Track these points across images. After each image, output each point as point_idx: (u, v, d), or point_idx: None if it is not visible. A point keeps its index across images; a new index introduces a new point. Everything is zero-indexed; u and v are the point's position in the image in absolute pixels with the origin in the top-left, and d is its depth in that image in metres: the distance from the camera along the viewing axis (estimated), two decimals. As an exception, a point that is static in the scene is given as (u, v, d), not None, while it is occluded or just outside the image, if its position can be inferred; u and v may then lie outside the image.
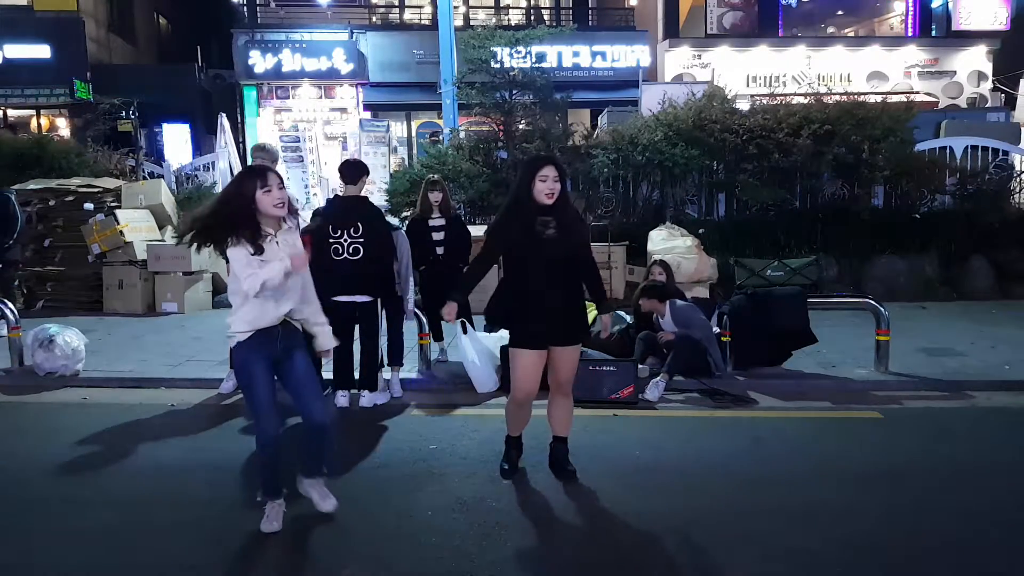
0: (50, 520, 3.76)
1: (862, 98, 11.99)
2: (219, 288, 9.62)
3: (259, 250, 3.39)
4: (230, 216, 3.42)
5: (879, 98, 12.51)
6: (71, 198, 9.87)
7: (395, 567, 3.28)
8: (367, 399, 5.64)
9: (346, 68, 17.94)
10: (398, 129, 18.02)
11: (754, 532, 3.56)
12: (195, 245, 3.51)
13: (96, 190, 10.04)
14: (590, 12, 20.22)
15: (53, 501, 3.97)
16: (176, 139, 17.65)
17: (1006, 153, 10.82)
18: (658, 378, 5.78)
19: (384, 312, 5.80)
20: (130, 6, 20.65)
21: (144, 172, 12.95)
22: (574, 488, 4.07)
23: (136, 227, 9.49)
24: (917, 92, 18.29)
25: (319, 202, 14.50)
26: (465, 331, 5.96)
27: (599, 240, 9.32)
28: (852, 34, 20.43)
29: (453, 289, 4.16)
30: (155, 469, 4.42)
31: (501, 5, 20.07)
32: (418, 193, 6.89)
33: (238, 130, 17.44)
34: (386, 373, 5.94)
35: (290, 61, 17.80)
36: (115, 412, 5.50)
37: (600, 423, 5.23)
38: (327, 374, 5.84)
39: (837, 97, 10.92)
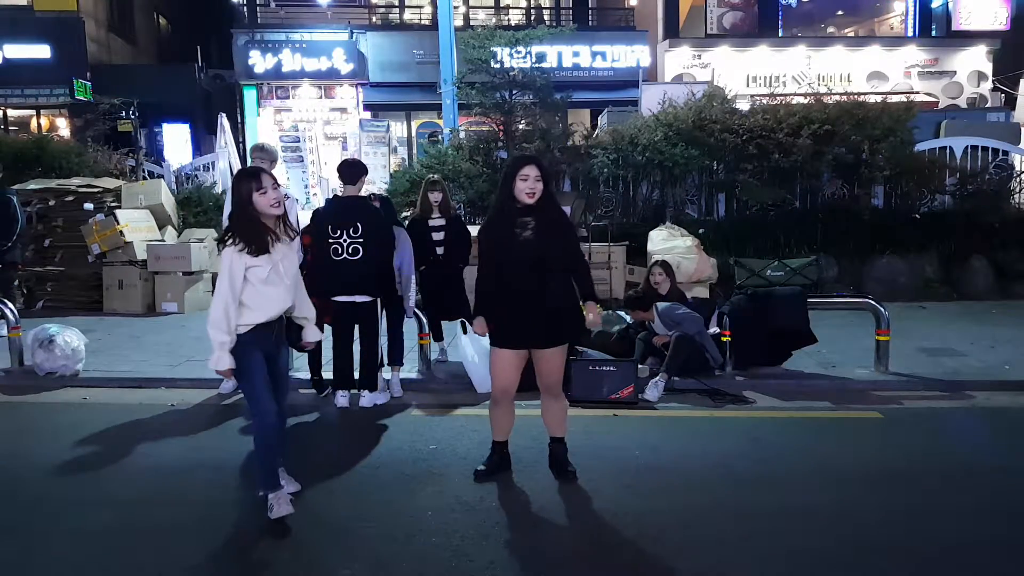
0: (50, 520, 3.76)
1: (862, 98, 11.98)
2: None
3: (263, 250, 3.53)
4: (241, 220, 3.59)
5: (879, 98, 12.51)
6: (71, 198, 9.88)
7: (395, 567, 3.28)
8: (367, 399, 5.64)
9: (346, 68, 17.94)
10: (398, 129, 18.01)
11: (754, 532, 3.56)
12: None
13: (96, 190, 10.05)
14: (590, 12, 20.21)
15: (53, 501, 3.97)
16: (176, 139, 17.65)
17: (1006, 153, 10.82)
18: (657, 378, 5.78)
19: (384, 312, 5.81)
20: (130, 6, 20.64)
21: (144, 172, 12.94)
22: (574, 488, 4.07)
23: (136, 227, 9.49)
24: (917, 92, 18.28)
25: (319, 202, 14.50)
26: (465, 331, 5.97)
27: (599, 240, 9.32)
28: (852, 34, 20.43)
29: (465, 305, 4.16)
30: (155, 469, 4.41)
31: (501, 5, 20.06)
32: (418, 193, 6.89)
33: (238, 130, 17.43)
34: (386, 373, 5.94)
35: (290, 61, 17.79)
36: (115, 412, 5.50)
37: (600, 423, 5.23)
38: (327, 374, 5.86)
39: (837, 97, 10.91)
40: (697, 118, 10.16)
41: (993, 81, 18.96)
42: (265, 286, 3.56)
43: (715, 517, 3.72)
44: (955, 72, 19.17)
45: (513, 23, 18.67)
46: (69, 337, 6.37)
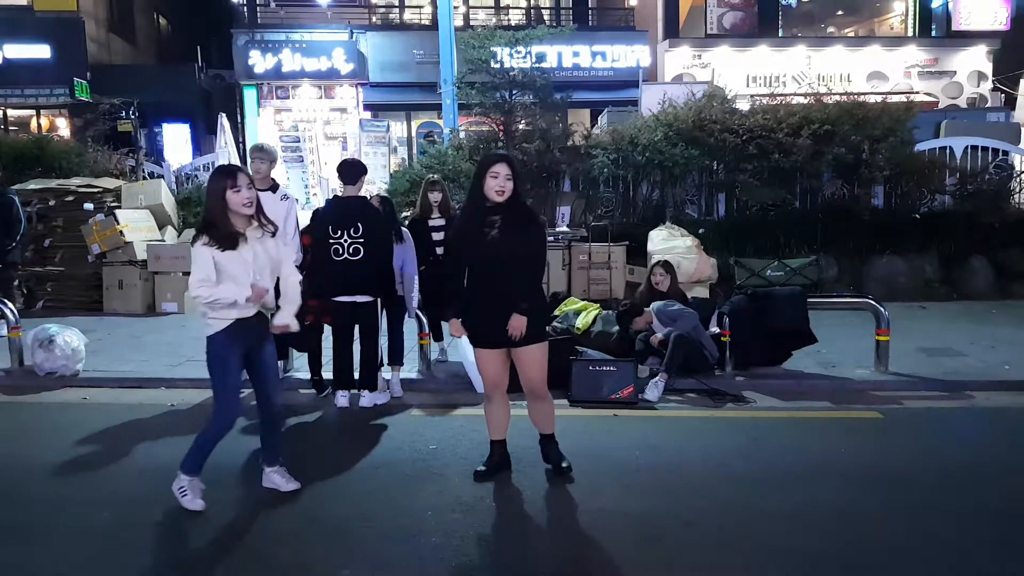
0: (50, 520, 3.76)
1: (862, 98, 11.98)
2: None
3: (231, 246, 3.60)
4: (212, 216, 3.67)
5: (879, 98, 12.50)
6: (71, 198, 9.88)
7: (395, 567, 3.28)
8: (367, 399, 5.64)
9: (346, 68, 17.93)
10: (398, 129, 18.01)
11: (754, 532, 3.56)
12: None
13: (96, 190, 10.05)
14: (590, 12, 20.20)
15: (53, 501, 3.97)
16: (176, 139, 17.64)
17: (1006, 153, 10.82)
18: (657, 378, 5.78)
19: (384, 312, 5.81)
20: (130, 6, 20.64)
21: (144, 172, 12.95)
22: (574, 488, 4.08)
23: (136, 227, 9.50)
24: (917, 92, 18.27)
25: (319, 202, 14.50)
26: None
27: (599, 240, 9.33)
28: (852, 34, 20.42)
29: (446, 306, 4.16)
30: (155, 469, 4.41)
31: (501, 5, 20.06)
32: (418, 193, 6.89)
33: (238, 130, 17.44)
34: (386, 373, 5.94)
35: (290, 61, 17.79)
36: (115, 412, 5.51)
37: (600, 423, 5.23)
38: (327, 374, 5.86)
39: (837, 97, 10.91)
40: (697, 118, 10.16)
41: (993, 81, 18.96)
42: (238, 284, 3.61)
43: (715, 517, 3.72)
44: (955, 72, 19.16)
45: (513, 23, 18.66)
46: (69, 337, 6.37)
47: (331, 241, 5.35)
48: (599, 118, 14.02)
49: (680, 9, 18.69)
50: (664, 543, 3.47)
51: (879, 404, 5.63)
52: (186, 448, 4.74)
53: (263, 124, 18.10)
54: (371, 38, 18.16)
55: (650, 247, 9.08)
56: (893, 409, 5.53)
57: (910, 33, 19.45)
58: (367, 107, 18.06)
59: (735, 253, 9.28)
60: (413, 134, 18.25)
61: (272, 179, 5.93)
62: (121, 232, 9.27)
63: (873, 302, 6.33)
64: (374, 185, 12.79)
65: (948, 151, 10.70)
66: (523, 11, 20.31)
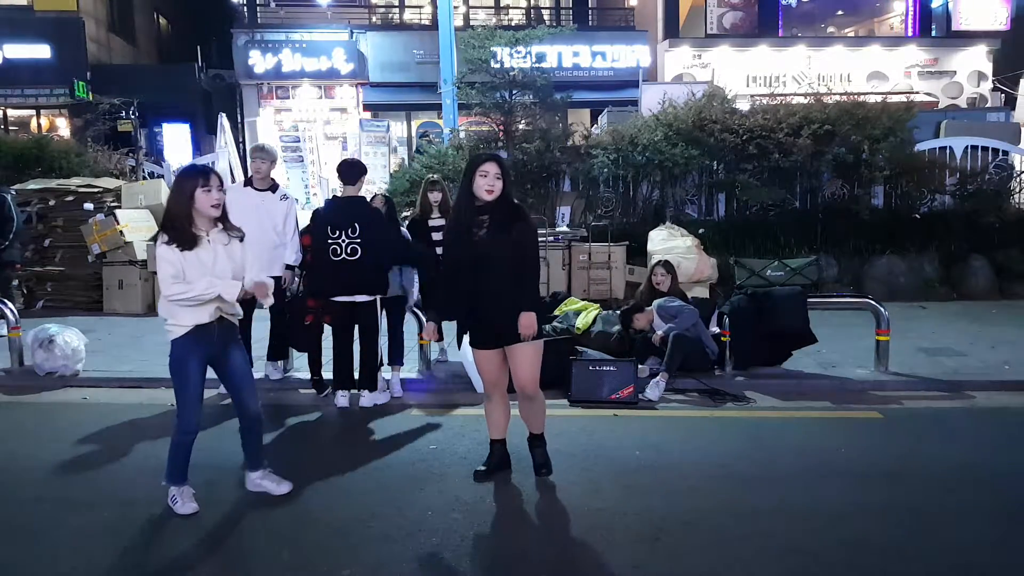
0: (50, 520, 3.76)
1: (862, 98, 11.97)
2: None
3: (189, 247, 3.59)
4: (168, 212, 3.69)
5: (879, 98, 12.47)
6: (71, 198, 9.88)
7: (395, 568, 3.28)
8: (367, 399, 5.64)
9: (346, 68, 17.94)
10: (398, 129, 18.01)
11: (754, 532, 3.56)
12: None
13: (96, 190, 10.05)
14: (590, 12, 20.20)
15: (53, 501, 3.97)
16: (176, 139, 17.64)
17: (1006, 153, 10.83)
18: (658, 378, 5.79)
19: (384, 312, 5.81)
20: (130, 6, 20.65)
21: (144, 172, 12.96)
22: (574, 488, 4.07)
23: (136, 227, 9.49)
24: (917, 92, 18.27)
25: (319, 202, 14.50)
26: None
27: (599, 240, 9.33)
28: (852, 34, 20.42)
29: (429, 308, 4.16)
30: (155, 469, 4.39)
31: (501, 5, 20.06)
32: (418, 193, 6.89)
33: (238, 130, 17.44)
34: (386, 373, 5.94)
35: (290, 61, 17.80)
36: (115, 412, 5.50)
37: (600, 423, 5.23)
38: (327, 374, 5.86)
39: (837, 97, 10.90)
40: (697, 118, 10.16)
41: (993, 81, 18.96)
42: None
43: (715, 517, 3.72)
44: (955, 72, 19.17)
45: (513, 23, 18.66)
46: (69, 337, 6.37)
47: (330, 241, 5.35)
48: (599, 118, 14.03)
49: (680, 9, 18.69)
50: (664, 543, 3.47)
51: (879, 404, 5.63)
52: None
53: (263, 124, 18.10)
54: (371, 38, 18.16)
55: (650, 247, 9.08)
56: (893, 409, 5.53)
57: (910, 33, 19.44)
58: (367, 107, 18.06)
59: (735, 253, 9.29)
60: (413, 134, 18.26)
61: (272, 179, 5.93)
62: (121, 232, 9.26)
63: (873, 302, 6.33)
64: (374, 185, 12.79)
65: (948, 151, 10.70)
66: (523, 11, 20.31)
